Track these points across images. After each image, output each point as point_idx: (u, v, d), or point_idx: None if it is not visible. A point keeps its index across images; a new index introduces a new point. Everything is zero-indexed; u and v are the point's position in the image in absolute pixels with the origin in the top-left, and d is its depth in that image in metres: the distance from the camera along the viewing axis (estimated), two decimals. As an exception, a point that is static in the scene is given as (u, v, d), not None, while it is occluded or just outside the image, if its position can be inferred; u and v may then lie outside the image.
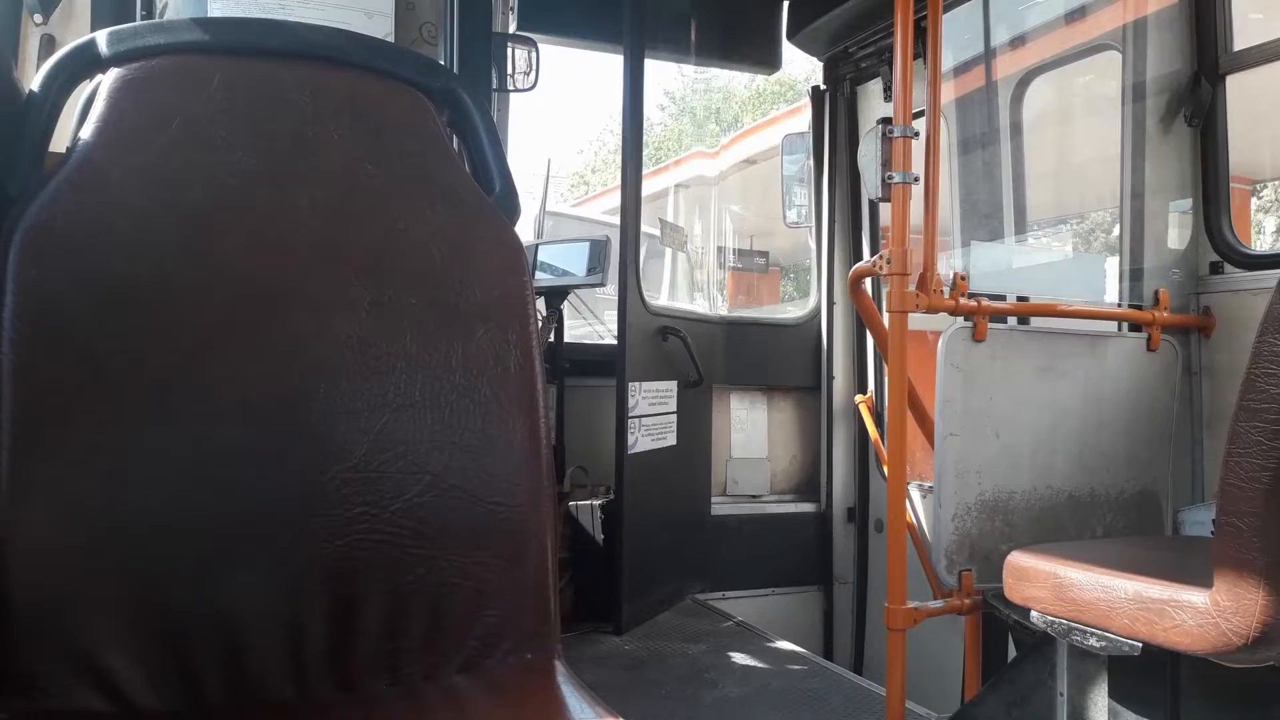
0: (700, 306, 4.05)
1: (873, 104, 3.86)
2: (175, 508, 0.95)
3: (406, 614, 1.04)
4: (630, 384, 3.10)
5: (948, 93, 3.23)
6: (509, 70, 3.37)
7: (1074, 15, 3.07)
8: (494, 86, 3.33)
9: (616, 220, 3.19)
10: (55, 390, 0.91)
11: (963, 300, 2.27)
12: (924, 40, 2.43)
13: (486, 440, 1.08)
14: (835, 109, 3.98)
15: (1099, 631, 1.69)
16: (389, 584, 1.03)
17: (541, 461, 1.11)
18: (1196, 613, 1.46)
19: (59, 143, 0.99)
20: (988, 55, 3.25)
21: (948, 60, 3.13)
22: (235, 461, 0.98)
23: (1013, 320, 2.84)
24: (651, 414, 3.23)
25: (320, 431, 1.01)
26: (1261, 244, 9.40)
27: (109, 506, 0.93)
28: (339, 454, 1.02)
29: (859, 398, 3.85)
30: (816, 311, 3.99)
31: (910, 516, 2.87)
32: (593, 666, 2.76)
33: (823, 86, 4.02)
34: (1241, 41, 2.61)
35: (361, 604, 1.01)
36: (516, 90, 3.43)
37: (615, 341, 3.22)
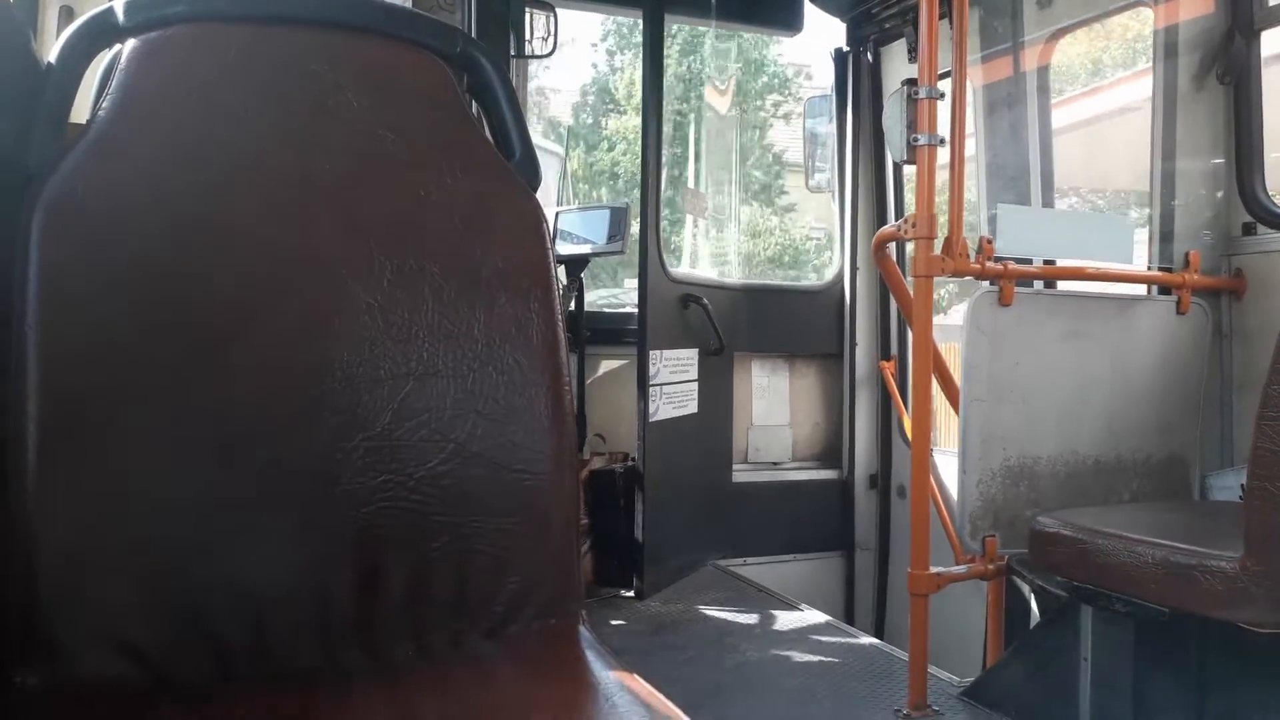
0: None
1: (896, 65, 3.79)
2: (198, 479, 0.96)
3: (430, 581, 1.04)
4: (651, 352, 3.09)
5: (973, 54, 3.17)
6: (527, 36, 3.34)
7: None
8: (512, 52, 3.31)
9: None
10: (78, 364, 0.92)
11: (989, 264, 2.24)
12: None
13: (509, 408, 1.08)
14: (858, 71, 3.92)
15: (1125, 597, 1.68)
16: (413, 551, 1.03)
17: (565, 430, 1.11)
18: (1226, 578, 1.44)
19: (79, 114, 0.99)
20: (1014, 14, 3.17)
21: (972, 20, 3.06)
22: (258, 431, 0.98)
23: (1039, 284, 2.80)
24: (673, 382, 3.23)
25: (343, 401, 1.01)
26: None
27: (133, 479, 0.93)
28: (362, 423, 1.02)
29: (882, 363, 3.82)
30: (839, 277, 3.96)
31: (933, 482, 2.86)
32: (614, 631, 2.78)
33: (845, 48, 3.95)
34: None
35: (385, 572, 1.02)
36: (534, 56, 3.41)
37: (635, 309, 3.21)
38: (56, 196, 0.92)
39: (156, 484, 0.94)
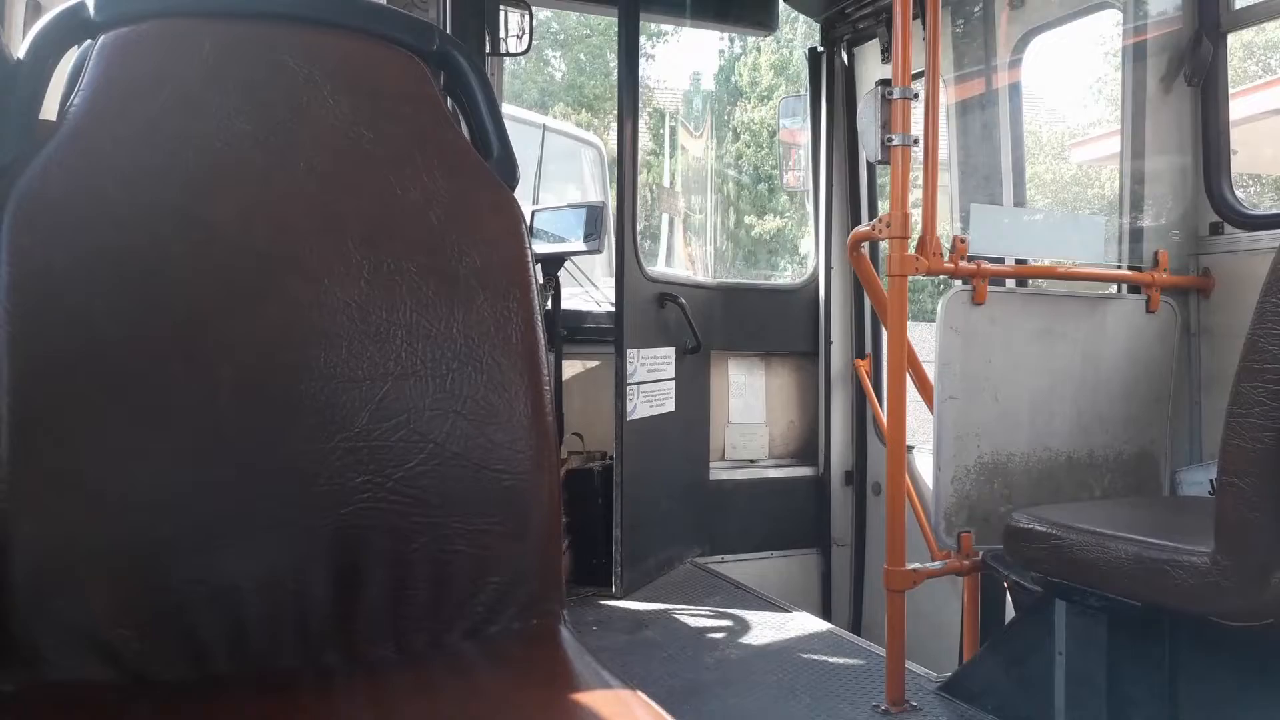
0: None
1: (870, 66, 3.82)
2: (175, 479, 0.94)
3: (410, 582, 1.04)
4: (629, 351, 3.09)
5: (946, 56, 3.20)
6: (501, 34, 3.32)
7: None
8: (486, 50, 3.29)
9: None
10: (52, 362, 0.90)
11: (962, 263, 2.26)
12: (922, 0, 2.40)
13: (488, 409, 1.08)
14: (832, 71, 3.94)
15: (1099, 591, 1.70)
16: (392, 552, 1.03)
17: (545, 429, 1.11)
18: (1197, 572, 1.47)
19: (50, 110, 0.97)
20: (986, 14, 3.21)
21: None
22: (235, 431, 0.97)
23: (1011, 283, 2.84)
24: (650, 381, 3.23)
25: (320, 401, 1.00)
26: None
27: (108, 478, 0.92)
28: (340, 423, 1.01)
29: (857, 361, 3.85)
30: (814, 276, 3.98)
31: (908, 479, 2.88)
32: (593, 630, 2.78)
33: (819, 48, 3.97)
34: (1243, -1, 2.59)
35: (365, 572, 1.01)
36: (509, 55, 3.39)
37: (612, 309, 3.21)
38: (29, 191, 0.91)
39: (133, 482, 0.92)
